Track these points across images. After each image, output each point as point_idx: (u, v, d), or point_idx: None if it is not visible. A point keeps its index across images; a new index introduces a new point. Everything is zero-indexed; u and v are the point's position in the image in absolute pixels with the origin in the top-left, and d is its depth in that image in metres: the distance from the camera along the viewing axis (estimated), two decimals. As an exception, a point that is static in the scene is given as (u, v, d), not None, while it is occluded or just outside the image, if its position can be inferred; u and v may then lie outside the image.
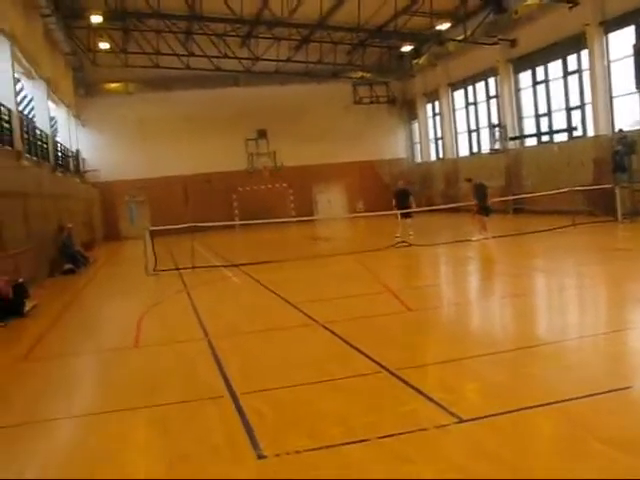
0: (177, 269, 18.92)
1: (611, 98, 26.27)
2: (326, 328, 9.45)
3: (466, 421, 5.42)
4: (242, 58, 37.38)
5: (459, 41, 33.91)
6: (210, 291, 15.21)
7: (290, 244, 28.05)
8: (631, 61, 23.89)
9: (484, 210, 21.46)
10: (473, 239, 20.32)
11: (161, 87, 40.06)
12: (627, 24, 25.02)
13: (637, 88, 24.13)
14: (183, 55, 36.19)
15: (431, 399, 5.99)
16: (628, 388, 6.16)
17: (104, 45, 34.83)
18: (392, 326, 9.64)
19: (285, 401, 6.44)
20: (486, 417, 5.51)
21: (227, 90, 40.98)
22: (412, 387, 6.40)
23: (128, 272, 21.51)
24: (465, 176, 35.19)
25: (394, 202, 23.06)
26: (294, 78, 40.57)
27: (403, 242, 20.53)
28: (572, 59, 28.56)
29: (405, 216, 22.58)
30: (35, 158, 24.57)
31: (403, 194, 23.11)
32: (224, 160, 40.83)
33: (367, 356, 7.68)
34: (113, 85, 40.22)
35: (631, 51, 24.06)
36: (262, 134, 42.03)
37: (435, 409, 5.75)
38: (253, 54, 37.08)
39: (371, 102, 44.24)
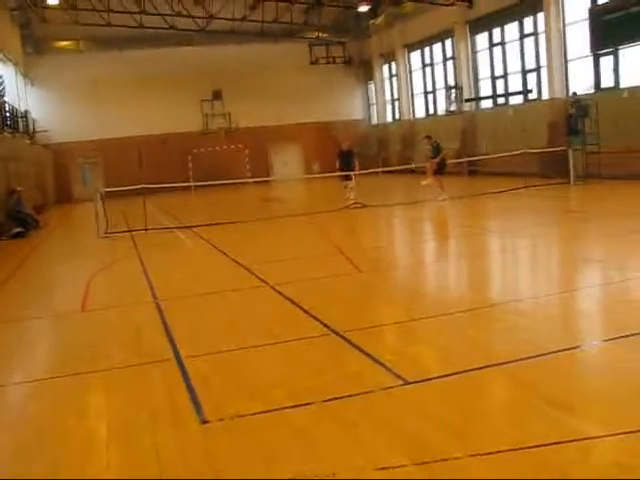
0: (129, 231, 18.64)
1: (566, 61, 26.31)
2: (276, 290, 9.39)
3: (411, 383, 5.40)
4: (196, 17, 36.63)
5: (416, 1, 33.64)
6: (161, 253, 15.00)
7: (244, 205, 27.83)
8: (586, 24, 23.98)
9: (442, 169, 21.54)
10: (439, 199, 20.28)
11: (114, 46, 39.07)
12: (583, -14, 25.01)
13: (591, 52, 24.29)
14: (135, 13, 35.33)
15: (377, 361, 5.97)
16: (573, 349, 6.20)
17: (52, 1, 33.77)
18: (342, 288, 9.62)
19: (231, 365, 6.37)
20: (432, 379, 5.51)
21: (181, 50, 40.19)
22: (359, 349, 6.37)
23: (79, 235, 21.19)
24: (422, 136, 35.24)
25: (337, 164, 22.97)
26: (250, 38, 39.88)
27: (357, 203, 20.46)
28: (528, 21, 28.53)
29: (347, 178, 22.45)
30: (-19, 118, 23.92)
31: (347, 155, 22.95)
32: (179, 121, 40.20)
33: (315, 318, 7.64)
34: (63, 43, 39.14)
35: (586, 14, 24.14)
36: (217, 95, 41.43)
37: (381, 371, 5.73)
38: (208, 13, 36.36)
39: (327, 62, 43.76)
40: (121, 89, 39.47)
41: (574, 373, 5.69)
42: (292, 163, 43.32)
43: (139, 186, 20.47)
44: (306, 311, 8.01)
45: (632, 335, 6.19)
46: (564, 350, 6.04)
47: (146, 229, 18.35)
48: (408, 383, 5.41)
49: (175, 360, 6.49)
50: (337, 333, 6.95)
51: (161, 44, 39.62)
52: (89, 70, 38.76)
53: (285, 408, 5.09)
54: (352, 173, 22.36)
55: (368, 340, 6.73)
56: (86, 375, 6.44)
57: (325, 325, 7.30)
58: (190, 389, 5.64)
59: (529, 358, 5.81)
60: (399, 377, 5.53)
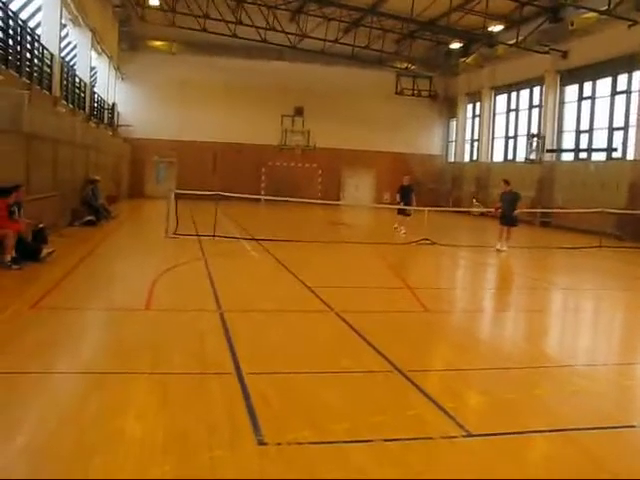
0: (197, 235, 18.80)
1: (657, 123, 25.80)
2: (340, 317, 9.29)
3: (474, 436, 5.26)
4: (289, 33, 37.14)
5: (509, 45, 33.40)
6: (227, 262, 15.08)
7: (313, 225, 27.89)
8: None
9: (506, 219, 20.02)
10: (497, 247, 19.91)
11: (205, 51, 39.81)
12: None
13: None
14: (231, 22, 36.00)
15: (440, 407, 5.83)
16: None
17: (154, 1, 34.66)
18: (407, 324, 9.49)
19: (292, 388, 6.29)
20: (495, 434, 5.36)
21: (270, 63, 40.69)
22: (422, 391, 6.24)
23: (148, 232, 21.47)
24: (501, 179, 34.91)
25: (397, 197, 23.93)
26: (339, 60, 40.15)
27: (426, 240, 20.27)
28: (622, 78, 28.06)
29: (402, 212, 23.44)
30: (71, 106, 24.52)
31: (407, 190, 23.87)
32: (258, 132, 40.65)
33: (379, 352, 7.52)
34: (157, 43, 40.06)
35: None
36: (299, 112, 41.79)
37: (443, 418, 5.59)
38: (301, 30, 36.81)
39: (412, 94, 43.83)
40: (206, 94, 40.12)
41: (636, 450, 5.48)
42: (363, 189, 43.33)
43: (212, 192, 20.68)
44: (370, 343, 7.90)
45: None
46: (632, 426, 5.83)
47: (214, 235, 18.47)
48: (471, 435, 5.26)
49: (236, 375, 6.43)
50: (400, 371, 6.83)
51: (251, 55, 40.19)
52: (178, 72, 39.53)
53: (344, 442, 5.00)
54: (408, 208, 23.34)
55: (431, 383, 6.60)
56: (147, 376, 6.44)
57: (388, 361, 7.18)
58: (249, 408, 5.57)
59: (596, 428, 5.61)
60: (461, 427, 5.39)
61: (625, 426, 5.81)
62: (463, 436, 5.24)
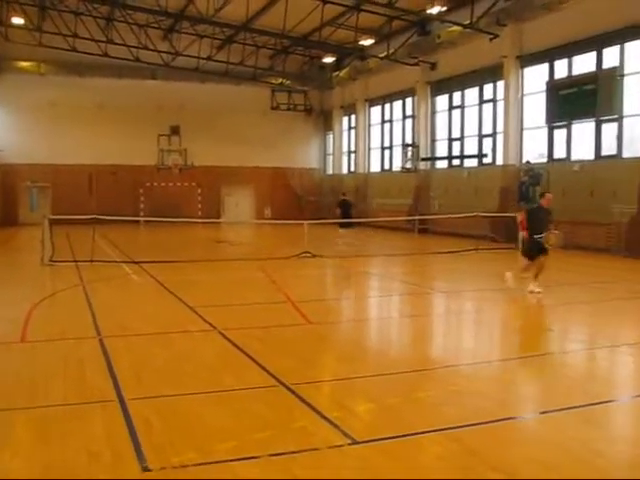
0: (75, 261, 18.29)
1: (521, 130, 26.98)
2: (223, 335, 9.25)
3: (359, 443, 5.34)
4: (162, 52, 36.73)
5: (381, 58, 34.21)
6: (107, 288, 14.70)
7: (194, 245, 27.56)
8: (543, 96, 24.73)
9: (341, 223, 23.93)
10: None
11: (75, 72, 38.73)
12: (542, 61, 25.81)
13: (546, 123, 24.97)
14: (101, 41, 35.27)
15: (325, 417, 5.89)
16: (520, 417, 6.30)
17: (18, 20, 33.46)
18: (291, 338, 9.53)
19: (175, 410, 6.21)
20: (379, 440, 5.45)
21: (144, 82, 40.09)
22: (307, 404, 6.28)
23: (22, 260, 20.70)
24: (376, 191, 35.96)
25: (338, 212, 25.32)
26: (213, 77, 40.01)
27: (307, 252, 20.41)
28: (488, 88, 29.25)
29: (344, 226, 24.81)
30: None
31: (346, 205, 25.45)
32: (134, 153, 39.84)
33: (263, 368, 7.53)
34: (24, 63, 38.55)
35: (544, 87, 24.90)
36: (175, 130, 41.21)
37: (329, 428, 5.65)
38: (174, 48, 36.46)
39: (288, 109, 44.13)
40: (78, 116, 38.99)
41: (520, 440, 5.72)
42: (244, 206, 43.17)
43: (88, 216, 20.19)
44: (254, 359, 7.90)
45: (573, 408, 6.33)
46: (511, 418, 6.11)
47: (92, 260, 18.01)
48: (356, 443, 5.35)
49: (118, 402, 6.30)
50: (285, 385, 6.85)
51: (124, 75, 39.47)
52: (48, 93, 38.27)
53: (230, 461, 4.98)
54: (349, 221, 24.84)
55: (316, 394, 6.66)
56: (22, 411, 6.20)
57: (273, 376, 7.20)
58: (132, 434, 5.47)
59: (478, 424, 5.82)
60: (347, 435, 5.47)
61: (503, 419, 6.07)
62: (349, 444, 5.32)
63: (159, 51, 36.47)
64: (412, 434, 5.59)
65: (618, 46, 22.50)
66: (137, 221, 35.49)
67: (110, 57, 36.52)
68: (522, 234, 13.99)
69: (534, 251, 13.48)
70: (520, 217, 13.19)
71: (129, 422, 5.74)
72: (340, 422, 5.75)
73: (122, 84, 39.68)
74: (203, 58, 37.41)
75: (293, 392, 6.64)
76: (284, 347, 8.89)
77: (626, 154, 22.53)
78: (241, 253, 23.13)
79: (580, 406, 6.44)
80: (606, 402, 6.75)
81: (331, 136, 44.99)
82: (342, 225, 24.69)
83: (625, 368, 8.47)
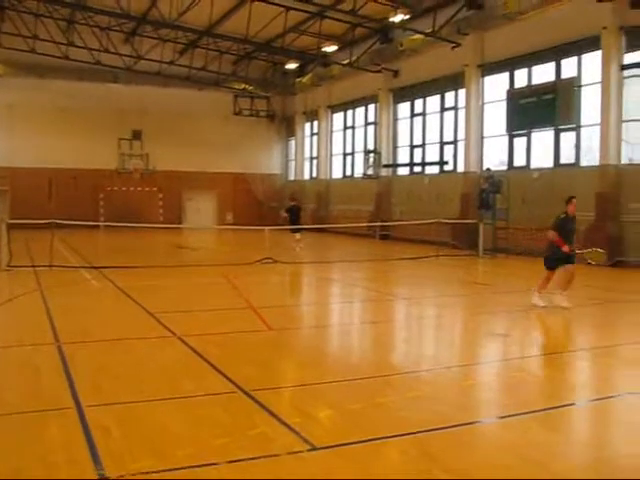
0: (33, 266, 18.06)
1: (482, 137, 27.29)
2: (183, 342, 9.20)
3: (319, 449, 5.35)
4: (124, 55, 36.47)
5: (344, 65, 34.38)
6: (66, 293, 14.51)
7: (155, 250, 27.38)
8: (503, 105, 25.05)
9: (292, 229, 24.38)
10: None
11: (35, 73, 38.16)
12: (502, 70, 26.15)
13: (507, 131, 25.29)
14: (62, 44, 34.92)
15: (285, 423, 5.89)
16: (478, 422, 6.35)
17: (-27, 21, 33.04)
18: (251, 344, 9.51)
19: (134, 417, 6.17)
20: (339, 446, 5.46)
21: (105, 86, 39.75)
22: (267, 410, 6.27)
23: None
24: (338, 198, 36.04)
25: (287, 217, 25.35)
26: (176, 82, 39.83)
27: (268, 259, 20.39)
28: (450, 96, 29.53)
29: (294, 231, 24.82)
30: None
31: (294, 210, 25.37)
32: (94, 157, 39.46)
33: (223, 374, 7.51)
34: (-20, 64, 38.12)
35: (504, 96, 25.22)
36: (137, 135, 40.92)
37: (289, 434, 5.65)
38: (136, 52, 36.23)
39: (251, 115, 44.09)
40: (38, 118, 38.57)
41: (478, 445, 5.79)
42: (205, 211, 43.00)
43: (48, 220, 19.93)
44: (213, 366, 7.87)
45: (532, 412, 6.45)
46: (470, 423, 6.18)
47: (51, 265, 17.79)
48: (315, 448, 5.35)
49: (75, 409, 6.23)
50: (244, 391, 6.84)
51: (85, 77, 39.12)
52: (5, 95, 37.77)
53: (189, 467, 4.96)
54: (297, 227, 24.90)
55: (276, 400, 6.66)
56: (-23, 418, 6.12)
57: (232, 382, 7.18)
58: (90, 442, 5.41)
59: (437, 429, 5.88)
60: (306, 441, 5.47)
61: (463, 424, 6.11)
62: (308, 450, 5.32)
63: (121, 54, 36.24)
64: (371, 439, 5.60)
65: (576, 57, 22.94)
66: (97, 226, 35.11)
67: (70, 60, 36.17)
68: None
69: (560, 261, 12.67)
70: (552, 236, 12.48)
71: (86, 430, 5.68)
72: (300, 428, 5.75)
73: (83, 87, 39.32)
74: (165, 62, 37.24)
75: (253, 398, 6.63)
76: (244, 353, 8.88)
77: (584, 162, 22.96)
78: (202, 259, 23.02)
79: (538, 410, 6.55)
80: (565, 406, 6.87)
81: (293, 142, 45.04)
82: (293, 230, 24.77)
83: (582, 373, 8.62)
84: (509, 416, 6.43)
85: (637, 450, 5.67)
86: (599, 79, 21.62)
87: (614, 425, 6.56)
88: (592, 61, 22.28)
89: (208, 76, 39.39)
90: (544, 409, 6.60)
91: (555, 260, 12.74)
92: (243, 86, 42.42)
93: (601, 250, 13.45)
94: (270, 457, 5.17)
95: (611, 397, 7.32)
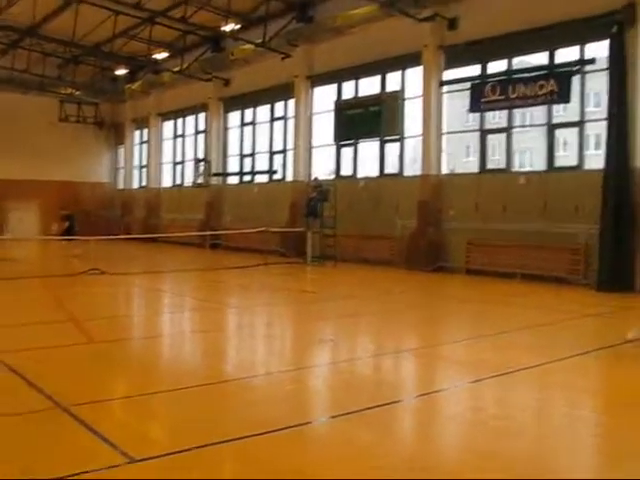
0: None
1: (311, 147, 27.88)
2: (-2, 359, 8.77)
3: (137, 461, 5.27)
4: (-63, 54, 34.34)
5: (174, 72, 34.03)
6: None
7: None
8: (332, 115, 25.74)
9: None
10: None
11: None
12: (331, 82, 26.86)
13: (334, 141, 25.99)
14: None
15: (103, 438, 5.74)
16: (305, 424, 6.45)
17: None
18: (72, 358, 9.20)
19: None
20: (159, 457, 5.40)
21: None
22: (85, 425, 6.10)
23: None
24: (168, 206, 35.60)
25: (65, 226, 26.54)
26: (-4, 84, 37.91)
27: (95, 269, 19.80)
28: (280, 106, 29.97)
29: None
30: None
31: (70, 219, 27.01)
32: None
33: (40, 390, 7.21)
34: None
35: (332, 106, 25.92)
36: (-47, 140, 38.57)
37: (107, 449, 5.52)
38: (-50, 52, 34.20)
39: (78, 121, 42.62)
40: None
41: (304, 447, 5.90)
42: (29, 221, 41.00)
43: None
44: (30, 382, 7.55)
45: (357, 411, 6.62)
46: (296, 426, 6.27)
47: None
48: (134, 461, 5.27)
49: None
50: (62, 407, 6.61)
51: None
52: None
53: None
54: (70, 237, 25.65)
55: (96, 415, 6.47)
56: None
57: (50, 398, 6.91)
58: None
59: (262, 434, 5.93)
60: (125, 455, 5.37)
61: (289, 427, 6.19)
62: (126, 463, 5.23)
63: None
64: (194, 448, 5.56)
65: (400, 72, 23.97)
66: None
67: None
68: None
69: None
70: None
71: None
72: (119, 442, 5.62)
73: None
74: (-17, 63, 35.33)
75: (71, 414, 6.41)
76: (64, 368, 8.58)
77: (410, 172, 24.03)
78: (25, 271, 21.97)
79: (361, 410, 6.72)
80: (388, 404, 7.08)
81: (122, 150, 44.04)
82: (69, 240, 25.51)
83: (405, 371, 9.01)
84: (336, 416, 6.64)
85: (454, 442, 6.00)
86: (421, 93, 22.71)
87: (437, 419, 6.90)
88: (415, 76, 23.37)
89: (32, 79, 37.59)
90: (367, 408, 6.79)
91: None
92: (70, 91, 40.90)
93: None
94: (87, 473, 5.02)
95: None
